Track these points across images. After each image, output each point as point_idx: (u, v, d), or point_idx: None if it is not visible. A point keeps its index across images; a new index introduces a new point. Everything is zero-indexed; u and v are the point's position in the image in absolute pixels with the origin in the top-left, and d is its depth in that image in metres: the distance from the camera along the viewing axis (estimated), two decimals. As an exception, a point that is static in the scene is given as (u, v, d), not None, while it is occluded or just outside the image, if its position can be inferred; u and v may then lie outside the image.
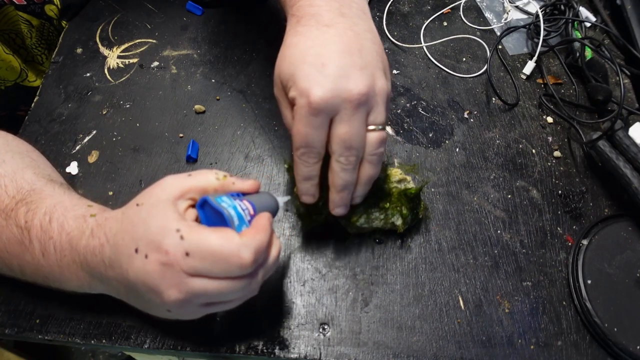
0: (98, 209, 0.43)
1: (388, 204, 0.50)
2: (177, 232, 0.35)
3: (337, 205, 0.45)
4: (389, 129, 0.62)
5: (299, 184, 0.45)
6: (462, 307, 0.50)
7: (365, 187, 0.45)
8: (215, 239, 0.36)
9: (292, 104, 0.41)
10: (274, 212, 0.43)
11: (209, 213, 0.39)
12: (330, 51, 0.40)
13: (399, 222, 0.50)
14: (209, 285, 0.36)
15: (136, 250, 0.36)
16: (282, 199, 0.45)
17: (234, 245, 0.36)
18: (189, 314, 0.40)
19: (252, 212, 0.40)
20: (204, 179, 0.40)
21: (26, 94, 0.65)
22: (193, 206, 0.40)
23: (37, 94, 0.64)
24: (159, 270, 0.35)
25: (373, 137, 0.42)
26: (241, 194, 0.42)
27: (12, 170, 0.46)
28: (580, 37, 0.69)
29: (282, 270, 0.52)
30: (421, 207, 0.52)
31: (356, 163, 0.42)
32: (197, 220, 0.39)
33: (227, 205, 0.38)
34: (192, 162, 0.58)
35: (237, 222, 0.38)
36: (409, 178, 0.52)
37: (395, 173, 0.51)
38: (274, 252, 0.40)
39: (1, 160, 0.46)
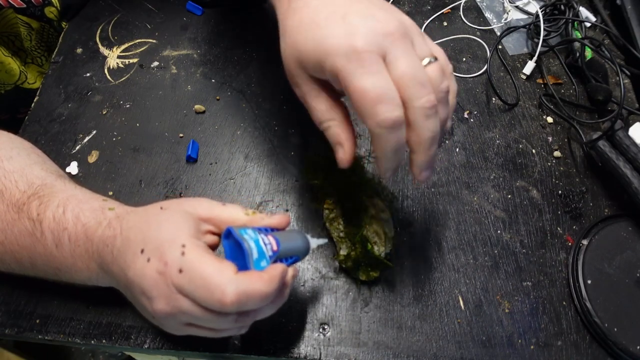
0: (115, 203, 0.44)
1: (352, 231, 0.49)
2: (182, 247, 0.35)
3: (426, 168, 0.38)
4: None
5: (388, 163, 0.37)
6: (462, 307, 0.50)
7: (437, 141, 0.37)
8: (210, 266, 0.34)
9: (330, 80, 0.37)
10: (302, 252, 0.41)
11: (232, 244, 0.39)
12: (341, 3, 0.36)
13: (344, 252, 0.49)
14: (193, 308, 0.35)
15: (142, 251, 0.36)
16: (315, 241, 0.43)
17: (224, 279, 0.34)
18: (171, 328, 0.39)
19: (275, 247, 0.38)
20: (235, 213, 0.40)
21: (26, 96, 0.65)
22: (215, 234, 0.40)
23: (37, 94, 0.64)
24: (155, 277, 0.35)
25: (431, 70, 0.36)
26: (269, 229, 0.41)
27: (21, 166, 0.46)
28: (580, 37, 0.69)
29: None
30: (376, 271, 0.50)
31: (436, 105, 0.35)
32: (214, 246, 0.40)
33: (249, 237, 0.37)
34: (192, 162, 0.58)
35: (256, 255, 0.37)
36: (387, 214, 0.50)
37: (377, 204, 0.50)
38: (274, 302, 0.38)
39: (8, 156, 0.46)
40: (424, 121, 0.35)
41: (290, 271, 0.39)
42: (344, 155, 0.39)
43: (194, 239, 0.36)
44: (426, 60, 0.36)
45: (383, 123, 0.34)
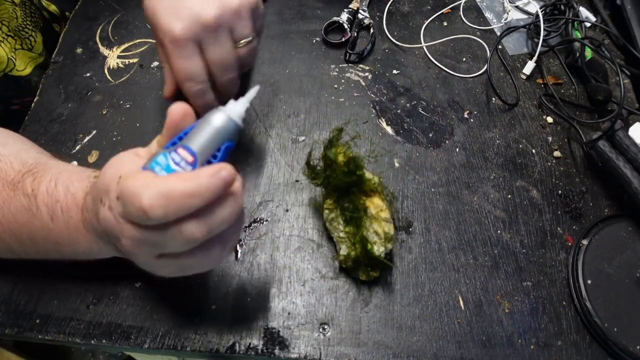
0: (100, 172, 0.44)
1: (352, 229, 0.48)
2: (119, 178, 0.34)
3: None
4: (389, 128, 0.62)
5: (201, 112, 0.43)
6: (462, 307, 0.50)
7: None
8: (132, 179, 0.33)
9: (162, 44, 0.46)
10: (228, 132, 0.35)
11: None
12: None
13: (344, 252, 0.49)
14: (139, 232, 0.33)
15: (101, 200, 0.36)
16: (238, 107, 0.36)
17: (139, 185, 0.32)
18: (149, 265, 0.37)
19: (190, 158, 0.34)
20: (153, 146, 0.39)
21: (17, 84, 0.64)
22: None
23: (37, 94, 0.64)
24: (109, 216, 0.35)
25: (243, 51, 0.48)
26: (181, 136, 0.35)
27: (16, 150, 0.47)
28: (580, 37, 0.69)
29: (281, 270, 0.52)
30: (376, 271, 0.50)
31: (236, 77, 0.49)
32: None
33: (160, 169, 0.34)
34: (192, 162, 0.58)
35: None
36: (387, 214, 0.49)
37: (377, 204, 0.49)
38: (223, 208, 0.34)
39: (4, 143, 0.47)
40: (228, 87, 0.49)
41: (228, 169, 0.34)
42: (165, 90, 0.52)
43: (131, 167, 0.35)
44: (242, 43, 0.47)
45: (188, 92, 0.47)
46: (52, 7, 0.72)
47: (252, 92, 0.38)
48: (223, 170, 0.33)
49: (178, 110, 0.36)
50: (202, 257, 0.36)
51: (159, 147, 0.37)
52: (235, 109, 0.36)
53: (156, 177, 0.33)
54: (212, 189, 0.32)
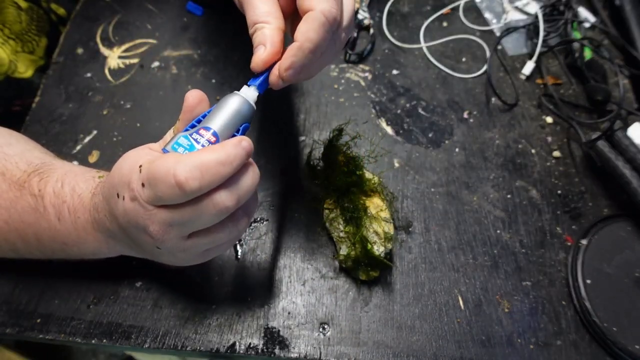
0: (105, 173, 0.44)
1: (352, 229, 0.49)
2: (139, 167, 0.35)
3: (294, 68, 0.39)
4: (388, 128, 0.62)
5: (301, 56, 0.37)
6: (462, 306, 0.50)
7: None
8: (158, 162, 0.33)
9: None
10: (245, 114, 0.37)
11: None
12: None
13: (344, 252, 0.49)
14: (171, 214, 0.34)
15: (117, 195, 0.36)
16: (251, 93, 0.39)
17: (170, 163, 0.33)
18: (178, 251, 0.37)
19: (213, 138, 0.36)
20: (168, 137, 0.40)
21: (18, 86, 0.64)
22: None
23: (38, 94, 0.64)
24: (132, 207, 0.35)
25: None
26: (200, 119, 0.38)
27: (21, 150, 0.47)
28: (579, 37, 0.69)
29: (281, 270, 0.52)
30: (376, 271, 0.50)
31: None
32: None
33: (183, 150, 0.36)
34: (192, 162, 0.58)
35: None
36: (387, 214, 0.49)
37: (377, 204, 0.50)
38: (247, 177, 0.35)
39: (8, 143, 0.48)
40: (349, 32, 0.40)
41: (248, 140, 0.35)
42: (263, 53, 0.38)
43: (149, 157, 0.36)
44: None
45: (329, 14, 0.36)
46: (61, 11, 0.73)
47: (262, 76, 0.40)
48: (243, 140, 0.34)
49: (194, 95, 0.38)
50: (231, 227, 0.37)
51: (176, 133, 0.38)
52: (249, 93, 0.39)
53: (184, 154, 0.34)
54: (239, 157, 0.34)
